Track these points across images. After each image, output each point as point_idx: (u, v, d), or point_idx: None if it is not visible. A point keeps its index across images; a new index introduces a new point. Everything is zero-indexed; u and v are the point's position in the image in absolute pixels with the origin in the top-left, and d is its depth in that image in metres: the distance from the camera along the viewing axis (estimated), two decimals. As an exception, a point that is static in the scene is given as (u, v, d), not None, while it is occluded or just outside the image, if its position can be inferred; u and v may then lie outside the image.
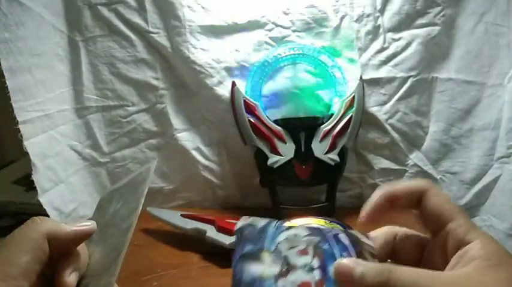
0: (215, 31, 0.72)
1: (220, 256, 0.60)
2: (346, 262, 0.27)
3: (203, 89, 0.73)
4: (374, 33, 0.72)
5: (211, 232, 0.61)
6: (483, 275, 0.25)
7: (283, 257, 0.30)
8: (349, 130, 0.69)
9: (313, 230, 0.31)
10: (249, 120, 0.69)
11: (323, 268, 0.29)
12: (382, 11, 0.71)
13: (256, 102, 0.69)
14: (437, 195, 0.30)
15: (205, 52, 0.72)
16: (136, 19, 0.71)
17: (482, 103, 0.72)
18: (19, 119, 0.58)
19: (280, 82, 0.72)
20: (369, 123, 0.74)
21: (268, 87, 0.72)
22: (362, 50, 0.72)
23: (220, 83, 0.72)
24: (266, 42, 0.72)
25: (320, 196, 0.74)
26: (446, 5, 0.71)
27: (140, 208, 0.34)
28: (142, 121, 0.75)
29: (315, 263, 0.29)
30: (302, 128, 0.69)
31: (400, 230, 0.33)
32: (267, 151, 0.69)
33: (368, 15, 0.71)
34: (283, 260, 0.30)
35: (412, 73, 0.73)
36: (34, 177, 0.61)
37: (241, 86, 0.71)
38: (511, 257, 0.27)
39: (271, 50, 0.72)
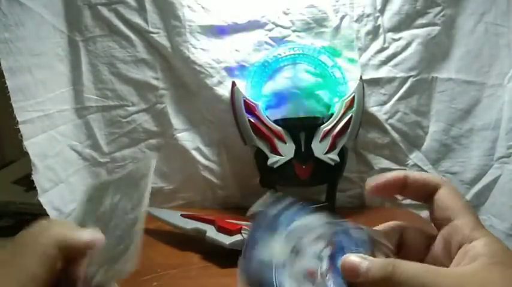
0: (215, 31, 0.72)
1: (220, 256, 0.60)
2: (353, 257, 0.27)
3: (203, 89, 0.73)
4: (374, 33, 0.72)
5: (211, 232, 0.61)
6: (489, 272, 0.26)
7: (295, 243, 0.30)
8: (349, 130, 0.69)
9: (332, 222, 0.31)
10: (249, 120, 0.69)
11: (332, 259, 0.29)
12: (382, 11, 0.71)
13: (256, 102, 0.69)
14: (448, 191, 0.31)
15: (205, 52, 0.72)
16: (136, 19, 0.71)
17: (482, 103, 0.72)
18: (19, 119, 0.58)
19: (280, 82, 0.72)
20: (369, 123, 0.74)
21: (268, 87, 0.72)
22: (362, 50, 0.72)
23: (220, 83, 0.72)
24: (266, 42, 0.72)
25: (320, 196, 0.74)
26: (446, 5, 0.71)
27: (146, 203, 0.34)
28: (142, 121, 0.75)
29: (325, 253, 0.30)
30: (302, 128, 0.69)
31: (407, 225, 0.33)
32: (267, 151, 0.69)
33: (368, 15, 0.71)
34: (293, 246, 0.30)
35: (412, 73, 0.73)
36: (34, 177, 0.61)
37: (241, 86, 0.71)
38: (507, 252, 0.27)
39: (271, 50, 0.72)
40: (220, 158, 0.76)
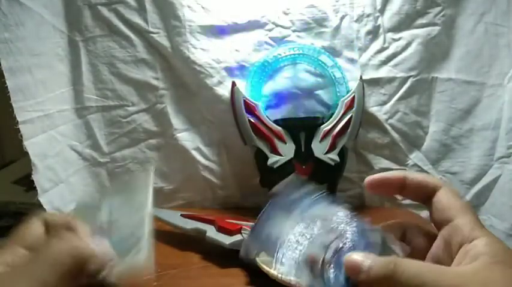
0: (215, 31, 0.72)
1: (220, 256, 0.60)
2: (356, 255, 0.28)
3: (203, 89, 0.73)
4: (374, 33, 0.72)
5: (211, 232, 0.61)
6: (490, 271, 0.26)
7: (306, 228, 0.30)
8: (349, 130, 0.69)
9: (349, 218, 0.31)
10: (249, 120, 0.69)
11: (338, 254, 0.29)
12: (382, 11, 0.71)
13: (256, 102, 0.69)
14: (447, 192, 0.31)
15: (205, 52, 0.72)
16: (136, 19, 0.71)
17: (482, 103, 0.73)
18: (19, 119, 0.58)
19: (280, 82, 0.72)
20: (369, 123, 0.74)
21: (268, 87, 0.72)
22: (362, 50, 0.72)
23: (220, 83, 0.72)
24: (266, 42, 0.72)
25: (320, 196, 0.74)
26: (446, 5, 0.71)
27: (151, 201, 0.35)
28: (142, 121, 0.75)
29: (333, 245, 0.30)
30: (302, 128, 0.69)
31: (410, 224, 0.33)
32: (267, 151, 0.69)
33: (368, 15, 0.71)
34: (304, 230, 0.30)
35: (412, 73, 0.73)
36: (34, 177, 0.61)
37: (241, 86, 0.71)
38: (507, 252, 0.27)
39: (271, 50, 0.72)
40: (220, 158, 0.76)
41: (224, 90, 0.72)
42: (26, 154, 0.60)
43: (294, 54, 0.71)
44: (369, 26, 0.72)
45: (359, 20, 0.72)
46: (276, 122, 0.69)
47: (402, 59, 0.72)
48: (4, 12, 0.57)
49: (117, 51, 0.72)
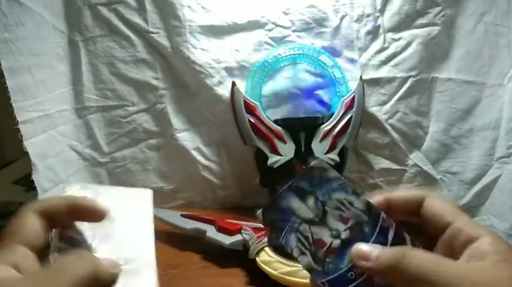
0: (215, 31, 0.72)
1: (220, 256, 0.60)
2: (365, 247, 0.29)
3: (203, 89, 0.73)
4: (374, 33, 0.72)
5: (211, 232, 0.61)
6: (498, 269, 0.26)
7: (321, 211, 0.31)
8: (349, 130, 0.69)
9: (371, 211, 0.31)
10: (249, 120, 0.69)
11: (347, 243, 0.30)
12: (382, 11, 0.71)
13: (256, 102, 0.69)
14: (436, 199, 0.31)
15: (205, 52, 0.72)
16: (136, 19, 0.71)
17: (482, 103, 0.73)
18: (19, 119, 0.58)
19: (280, 82, 0.72)
20: (369, 123, 0.74)
21: (268, 87, 0.72)
22: (362, 50, 0.72)
23: (220, 83, 0.72)
24: (266, 42, 0.72)
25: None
26: (446, 5, 0.71)
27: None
28: (142, 121, 0.75)
29: (344, 234, 0.30)
30: (302, 128, 0.69)
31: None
32: (267, 151, 0.69)
33: (368, 15, 0.71)
34: (319, 213, 0.31)
35: (412, 73, 0.73)
36: (34, 177, 0.61)
37: (241, 86, 0.71)
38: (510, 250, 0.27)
39: (271, 50, 0.72)
40: (220, 158, 0.76)
41: (224, 90, 0.72)
42: (26, 154, 0.60)
43: (294, 54, 0.71)
44: (369, 26, 0.72)
45: (359, 20, 0.72)
46: (276, 122, 0.69)
47: (402, 59, 0.72)
48: (4, 12, 0.57)
49: (117, 51, 0.72)
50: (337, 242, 0.30)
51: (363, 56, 0.72)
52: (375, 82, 0.73)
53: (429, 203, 0.31)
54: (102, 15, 0.71)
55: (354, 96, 0.69)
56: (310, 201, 0.31)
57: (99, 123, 0.74)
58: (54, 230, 0.33)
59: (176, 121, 0.75)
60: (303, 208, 0.31)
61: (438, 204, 0.30)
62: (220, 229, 0.61)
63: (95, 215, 0.33)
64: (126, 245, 0.36)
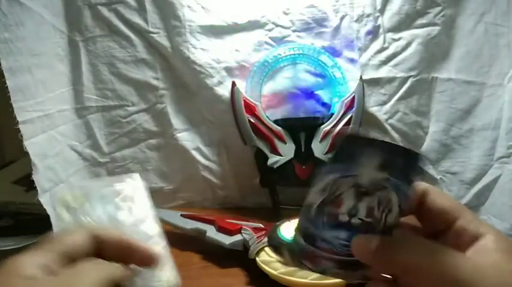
0: (215, 31, 0.72)
1: (220, 256, 0.60)
2: (364, 238, 0.29)
3: (203, 89, 0.73)
4: (374, 33, 0.72)
5: (211, 232, 0.61)
6: (507, 263, 0.26)
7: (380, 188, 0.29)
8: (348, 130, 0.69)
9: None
10: (249, 120, 0.69)
11: (360, 227, 0.29)
12: (382, 11, 0.71)
13: (256, 103, 0.69)
14: (439, 195, 0.30)
15: (205, 52, 0.72)
16: (136, 19, 0.71)
17: (482, 103, 0.73)
18: (19, 119, 0.58)
19: (280, 82, 0.72)
20: (369, 123, 0.74)
21: (268, 87, 0.72)
22: (362, 50, 0.72)
23: (220, 83, 0.72)
24: (266, 42, 0.72)
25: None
26: (446, 5, 0.71)
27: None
28: (142, 121, 0.75)
29: (363, 215, 0.29)
30: (302, 128, 0.69)
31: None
32: (267, 151, 0.69)
33: (368, 15, 0.71)
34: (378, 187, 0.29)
35: (412, 73, 0.73)
36: (34, 177, 0.61)
37: (241, 86, 0.71)
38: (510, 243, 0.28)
39: (271, 50, 0.72)
40: (220, 158, 0.76)
41: (224, 90, 0.72)
42: (26, 154, 0.59)
43: (294, 54, 0.71)
44: (369, 26, 0.72)
45: (359, 20, 0.72)
46: (276, 122, 0.69)
47: (402, 59, 0.72)
48: (4, 12, 0.57)
49: (117, 51, 0.72)
50: (356, 220, 0.29)
51: (363, 56, 0.72)
52: (375, 82, 0.73)
53: (432, 199, 0.30)
54: (102, 15, 0.71)
55: (354, 96, 0.69)
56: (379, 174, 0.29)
57: (99, 123, 0.74)
58: None
59: (176, 121, 0.75)
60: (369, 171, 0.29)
61: (442, 201, 0.30)
62: (220, 229, 0.61)
63: (147, 260, 0.35)
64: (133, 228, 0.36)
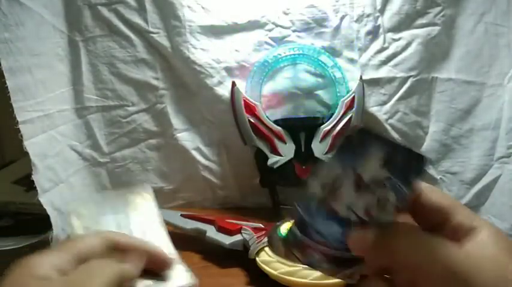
0: (215, 31, 0.72)
1: (220, 256, 0.60)
2: (362, 231, 0.28)
3: (203, 89, 0.73)
4: (374, 33, 0.72)
5: (211, 232, 0.61)
6: (502, 257, 0.26)
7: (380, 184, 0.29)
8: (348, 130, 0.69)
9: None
10: (249, 120, 0.69)
11: (356, 224, 0.29)
12: (382, 11, 0.71)
13: (256, 103, 0.69)
14: (434, 192, 0.30)
15: (205, 52, 0.72)
16: (136, 19, 0.71)
17: (482, 103, 0.73)
18: (19, 119, 0.58)
19: (280, 82, 0.72)
20: (369, 123, 0.73)
21: (268, 87, 0.72)
22: (362, 50, 0.72)
23: (220, 83, 0.72)
24: (266, 42, 0.72)
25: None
26: (446, 5, 0.71)
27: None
28: (142, 121, 0.75)
29: (360, 212, 0.29)
30: (302, 128, 0.69)
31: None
32: (267, 151, 0.69)
33: (368, 15, 0.71)
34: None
35: (412, 73, 0.73)
36: (34, 177, 0.61)
37: (241, 86, 0.71)
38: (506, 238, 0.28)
39: (271, 50, 0.72)
40: (220, 158, 0.76)
41: (224, 90, 0.72)
42: (26, 154, 0.59)
43: (294, 54, 0.71)
44: (369, 26, 0.72)
45: (359, 20, 0.72)
46: (276, 122, 0.69)
47: (402, 59, 0.72)
48: (4, 12, 0.57)
49: (117, 51, 0.72)
50: (352, 215, 0.29)
51: (363, 56, 0.72)
52: (375, 82, 0.73)
53: (426, 196, 0.30)
54: (102, 15, 0.71)
55: (354, 96, 0.69)
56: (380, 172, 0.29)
57: (99, 123, 0.74)
58: None
59: (176, 121, 0.75)
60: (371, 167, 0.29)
61: (436, 198, 0.30)
62: (220, 229, 0.61)
63: (161, 263, 0.36)
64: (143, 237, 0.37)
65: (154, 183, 0.76)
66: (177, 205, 0.78)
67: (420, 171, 0.29)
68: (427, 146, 0.75)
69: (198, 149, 0.76)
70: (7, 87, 0.56)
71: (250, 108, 0.69)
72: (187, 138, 0.75)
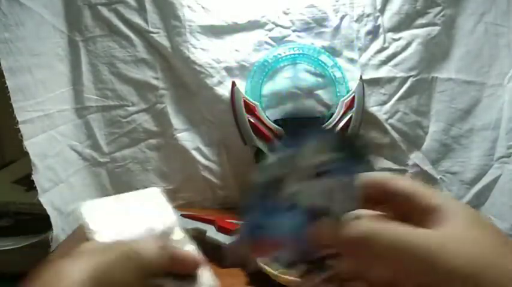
0: (215, 31, 0.72)
1: (220, 256, 0.60)
2: (327, 222, 0.27)
3: (203, 89, 0.73)
4: (374, 33, 0.72)
5: (211, 232, 0.61)
6: (468, 230, 0.25)
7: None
8: (349, 130, 0.69)
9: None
10: (249, 120, 0.69)
11: (305, 214, 0.28)
12: (382, 11, 0.71)
13: (256, 103, 0.69)
14: (400, 179, 0.29)
15: (205, 52, 0.72)
16: (136, 19, 0.71)
17: (482, 103, 0.73)
18: (19, 119, 0.58)
19: (280, 82, 0.72)
20: (369, 123, 0.74)
21: (268, 87, 0.72)
22: (362, 49, 0.72)
23: (220, 83, 0.72)
24: (266, 42, 0.72)
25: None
26: (446, 5, 0.71)
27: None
28: (142, 121, 0.75)
29: (305, 200, 0.28)
30: (302, 128, 0.69)
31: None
32: (267, 151, 0.69)
33: (368, 15, 0.71)
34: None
35: (412, 73, 0.73)
36: (34, 177, 0.61)
37: (241, 86, 0.71)
38: (479, 214, 0.27)
39: (271, 50, 0.72)
40: (220, 158, 0.76)
41: (224, 90, 0.72)
42: (26, 154, 0.59)
43: (294, 54, 0.71)
44: (369, 26, 0.72)
45: (359, 20, 0.72)
46: (276, 122, 0.69)
47: (402, 59, 0.72)
48: (4, 12, 0.57)
49: (117, 51, 0.72)
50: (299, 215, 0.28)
51: (363, 56, 0.72)
52: (375, 82, 0.73)
53: (393, 184, 0.29)
54: (102, 15, 0.71)
55: (354, 96, 0.69)
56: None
57: (99, 123, 0.74)
58: None
59: (176, 121, 0.75)
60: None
61: (403, 184, 0.29)
62: (220, 229, 0.61)
63: (189, 265, 0.36)
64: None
65: (154, 183, 0.76)
66: (177, 205, 0.78)
67: (364, 160, 0.28)
68: (427, 146, 0.75)
69: (198, 149, 0.76)
70: (7, 87, 0.56)
71: (250, 108, 0.69)
72: (187, 139, 0.75)
